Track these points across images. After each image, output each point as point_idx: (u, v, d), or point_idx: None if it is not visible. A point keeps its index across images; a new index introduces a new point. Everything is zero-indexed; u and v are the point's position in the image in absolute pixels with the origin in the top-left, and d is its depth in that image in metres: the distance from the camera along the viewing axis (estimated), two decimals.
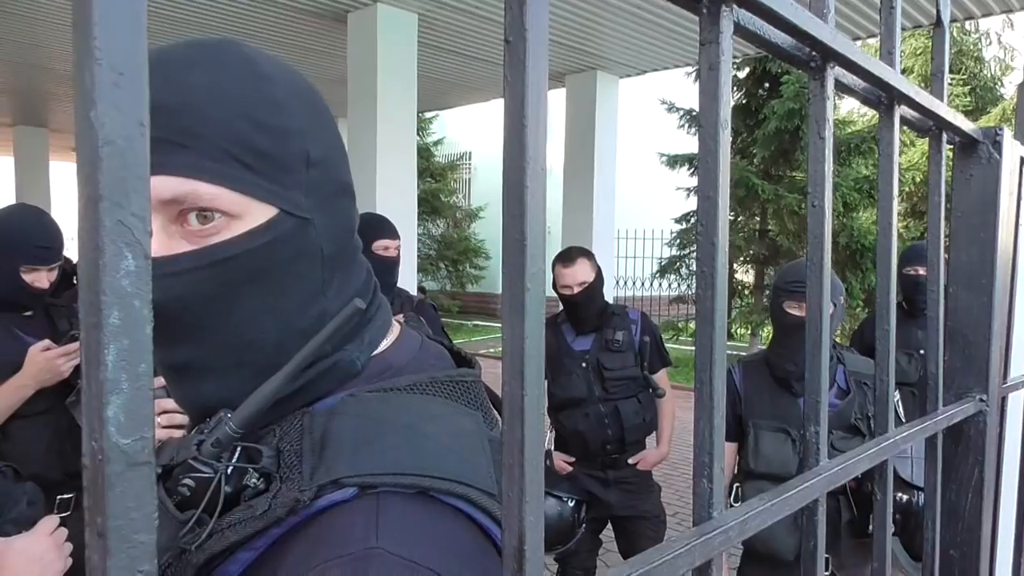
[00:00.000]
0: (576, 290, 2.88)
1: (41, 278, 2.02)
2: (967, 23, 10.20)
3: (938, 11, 0.75)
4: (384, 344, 0.65)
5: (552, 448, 3.08)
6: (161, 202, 0.54)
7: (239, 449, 0.55)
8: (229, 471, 0.54)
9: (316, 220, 0.58)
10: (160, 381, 1.70)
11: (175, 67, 0.55)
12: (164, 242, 0.55)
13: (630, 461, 2.98)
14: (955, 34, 12.00)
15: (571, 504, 2.89)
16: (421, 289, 10.26)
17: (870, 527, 2.09)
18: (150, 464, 0.20)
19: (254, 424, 0.56)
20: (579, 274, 2.89)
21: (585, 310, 2.93)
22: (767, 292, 10.25)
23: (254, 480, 0.55)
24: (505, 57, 0.30)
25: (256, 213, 0.56)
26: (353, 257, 0.64)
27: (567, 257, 2.93)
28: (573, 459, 3.00)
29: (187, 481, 0.54)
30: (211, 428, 0.56)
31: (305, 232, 0.58)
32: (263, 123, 0.56)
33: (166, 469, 0.56)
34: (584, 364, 2.93)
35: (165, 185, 0.53)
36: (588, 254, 2.99)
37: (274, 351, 0.58)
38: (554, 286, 2.92)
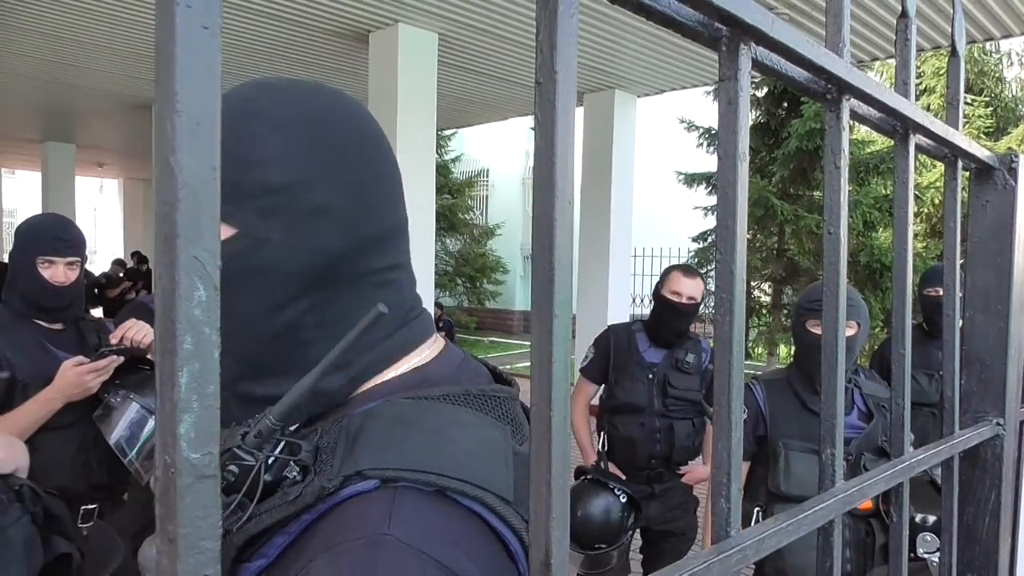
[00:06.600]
0: (685, 300, 2.91)
1: (58, 272, 2.01)
2: (988, 44, 10.17)
3: (953, 42, 0.77)
4: (427, 357, 0.69)
5: (604, 450, 3.06)
6: None
7: (283, 443, 0.61)
8: (270, 461, 0.59)
9: (274, 239, 0.63)
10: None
11: None
12: None
13: (680, 470, 3.00)
14: (976, 54, 11.94)
15: (623, 500, 2.81)
16: (438, 305, 10.32)
17: (914, 551, 2.03)
18: (216, 477, 0.22)
19: (291, 417, 0.61)
20: (696, 288, 2.93)
21: (682, 322, 2.96)
22: (785, 311, 10.19)
23: (294, 473, 0.60)
24: (536, 98, 0.32)
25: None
26: (343, 277, 0.65)
27: (690, 271, 3.00)
28: (621, 474, 2.98)
29: (232, 467, 0.59)
30: (256, 422, 0.61)
31: (260, 251, 0.62)
32: (227, 154, 0.59)
33: None
34: (651, 375, 2.96)
35: None
36: (704, 277, 3.05)
37: (254, 349, 0.64)
38: (658, 291, 2.96)
